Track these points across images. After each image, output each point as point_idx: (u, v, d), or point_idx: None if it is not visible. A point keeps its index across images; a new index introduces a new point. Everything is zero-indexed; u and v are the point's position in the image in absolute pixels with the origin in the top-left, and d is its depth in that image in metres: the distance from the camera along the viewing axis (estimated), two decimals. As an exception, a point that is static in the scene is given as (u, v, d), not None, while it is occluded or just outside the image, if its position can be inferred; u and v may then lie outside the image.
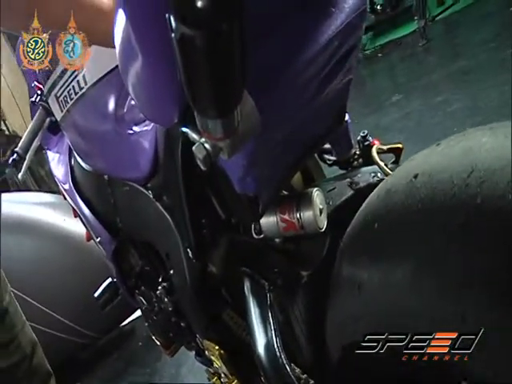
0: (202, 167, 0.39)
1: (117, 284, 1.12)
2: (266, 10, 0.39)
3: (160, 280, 0.86)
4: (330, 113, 0.61)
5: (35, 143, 1.03)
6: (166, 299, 0.83)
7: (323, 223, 0.57)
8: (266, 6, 0.39)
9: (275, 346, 0.57)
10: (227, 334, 0.74)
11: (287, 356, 0.57)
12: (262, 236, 0.60)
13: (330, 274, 0.56)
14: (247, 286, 0.62)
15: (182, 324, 0.85)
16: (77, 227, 1.78)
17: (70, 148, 1.03)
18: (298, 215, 0.56)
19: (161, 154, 0.62)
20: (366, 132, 0.78)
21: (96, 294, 1.22)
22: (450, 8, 4.53)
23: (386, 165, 0.69)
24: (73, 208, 1.13)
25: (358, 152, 0.80)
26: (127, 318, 2.14)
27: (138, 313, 1.79)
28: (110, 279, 1.19)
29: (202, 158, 0.38)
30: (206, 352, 0.79)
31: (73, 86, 0.78)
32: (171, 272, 0.78)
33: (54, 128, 1.01)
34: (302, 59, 0.42)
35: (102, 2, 0.54)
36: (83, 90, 0.76)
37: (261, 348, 0.57)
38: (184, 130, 0.42)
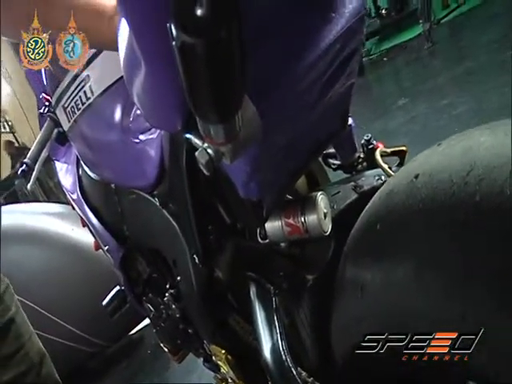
0: (205, 172, 0.40)
1: (125, 292, 1.13)
2: (267, 15, 0.40)
3: (167, 287, 0.86)
4: (332, 117, 0.62)
5: (43, 154, 1.05)
6: (173, 306, 0.83)
7: (328, 227, 0.57)
8: (267, 12, 0.40)
9: (281, 350, 0.57)
10: (234, 339, 0.74)
11: (293, 359, 0.57)
12: (267, 241, 0.61)
13: (335, 277, 0.56)
14: (253, 290, 0.63)
15: (189, 330, 0.85)
16: (85, 237, 1.80)
17: (77, 158, 1.05)
18: (303, 219, 0.56)
19: (166, 162, 0.63)
20: (369, 135, 0.78)
21: (104, 302, 1.22)
22: (455, 10, 4.51)
23: (390, 167, 0.69)
24: (81, 217, 1.14)
25: (362, 155, 0.81)
26: (136, 326, 2.14)
27: (147, 321, 1.79)
28: (118, 287, 1.20)
29: (205, 163, 0.39)
30: (213, 357, 0.80)
31: (80, 97, 0.79)
32: (178, 278, 0.78)
33: (62, 139, 1.02)
34: (302, 64, 0.43)
35: (102, 4, 0.55)
36: (90, 101, 0.77)
37: (267, 352, 0.57)
38: (187, 136, 0.43)
